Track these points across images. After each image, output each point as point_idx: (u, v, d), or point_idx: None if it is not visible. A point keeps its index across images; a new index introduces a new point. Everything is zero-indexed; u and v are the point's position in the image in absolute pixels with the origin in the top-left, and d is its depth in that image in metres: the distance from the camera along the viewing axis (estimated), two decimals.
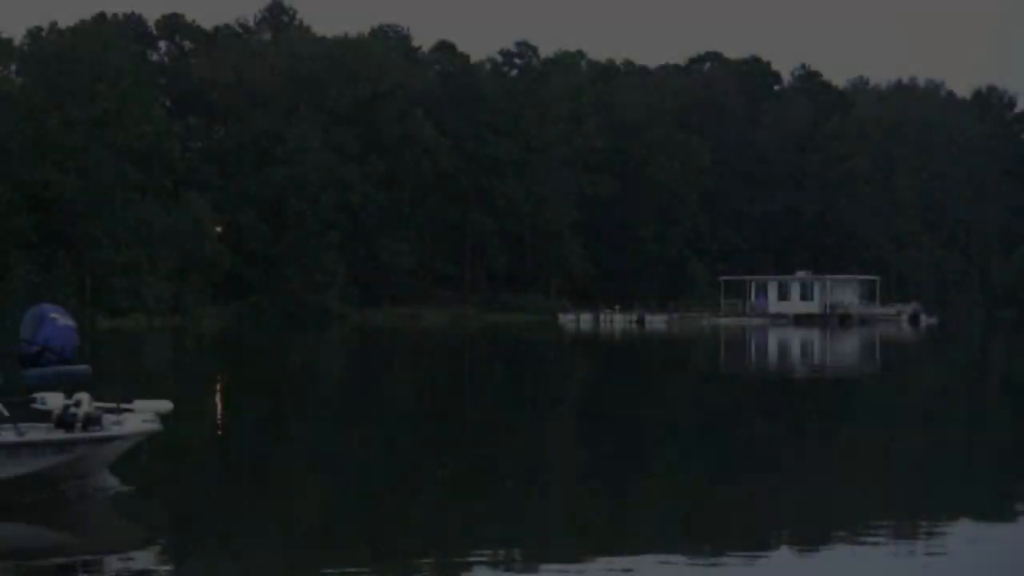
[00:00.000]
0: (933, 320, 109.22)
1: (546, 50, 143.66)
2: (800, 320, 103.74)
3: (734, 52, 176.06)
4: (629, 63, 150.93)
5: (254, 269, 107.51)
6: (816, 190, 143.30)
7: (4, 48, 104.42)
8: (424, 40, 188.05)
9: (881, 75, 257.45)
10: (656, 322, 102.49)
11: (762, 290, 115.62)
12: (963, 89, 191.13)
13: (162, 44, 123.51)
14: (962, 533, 12.83)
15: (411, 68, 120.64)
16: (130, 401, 14.45)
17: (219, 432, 22.10)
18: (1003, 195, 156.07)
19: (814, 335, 75.60)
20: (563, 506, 14.63)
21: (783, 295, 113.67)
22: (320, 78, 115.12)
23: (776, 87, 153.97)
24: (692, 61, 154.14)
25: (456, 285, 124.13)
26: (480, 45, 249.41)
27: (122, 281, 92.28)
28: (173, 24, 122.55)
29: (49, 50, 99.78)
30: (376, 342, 65.80)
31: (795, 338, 70.58)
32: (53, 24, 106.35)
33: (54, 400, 13.81)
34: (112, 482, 14.31)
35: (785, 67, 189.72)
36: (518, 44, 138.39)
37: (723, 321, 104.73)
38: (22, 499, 13.13)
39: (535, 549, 11.99)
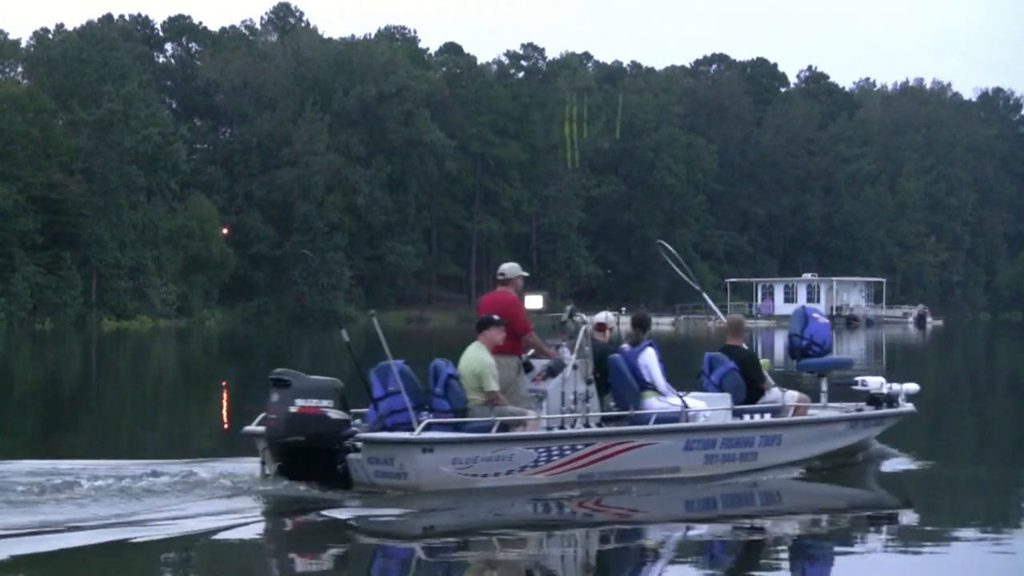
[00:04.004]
0: (939, 322, 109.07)
1: (552, 52, 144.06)
2: None
3: (740, 54, 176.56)
4: (635, 65, 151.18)
5: (260, 271, 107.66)
6: (822, 192, 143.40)
7: (10, 50, 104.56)
8: (431, 42, 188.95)
9: (887, 77, 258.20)
10: (662, 324, 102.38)
11: (768, 292, 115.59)
12: (969, 91, 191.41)
13: (168, 46, 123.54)
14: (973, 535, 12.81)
15: (417, 70, 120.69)
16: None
17: None
18: (1009, 197, 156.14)
19: None
20: None
21: (789, 297, 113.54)
22: (326, 80, 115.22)
23: (782, 89, 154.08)
24: (698, 63, 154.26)
25: (462, 287, 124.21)
26: (487, 47, 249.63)
27: (128, 283, 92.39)
28: (179, 26, 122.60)
29: (55, 52, 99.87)
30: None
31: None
32: (59, 26, 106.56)
33: (874, 383, 16.90)
34: (892, 451, 17.10)
35: (791, 69, 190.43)
36: (524, 46, 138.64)
37: None
38: (835, 465, 15.93)
39: None
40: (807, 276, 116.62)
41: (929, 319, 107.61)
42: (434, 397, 14.06)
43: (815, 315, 17.10)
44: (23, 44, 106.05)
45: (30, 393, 30.77)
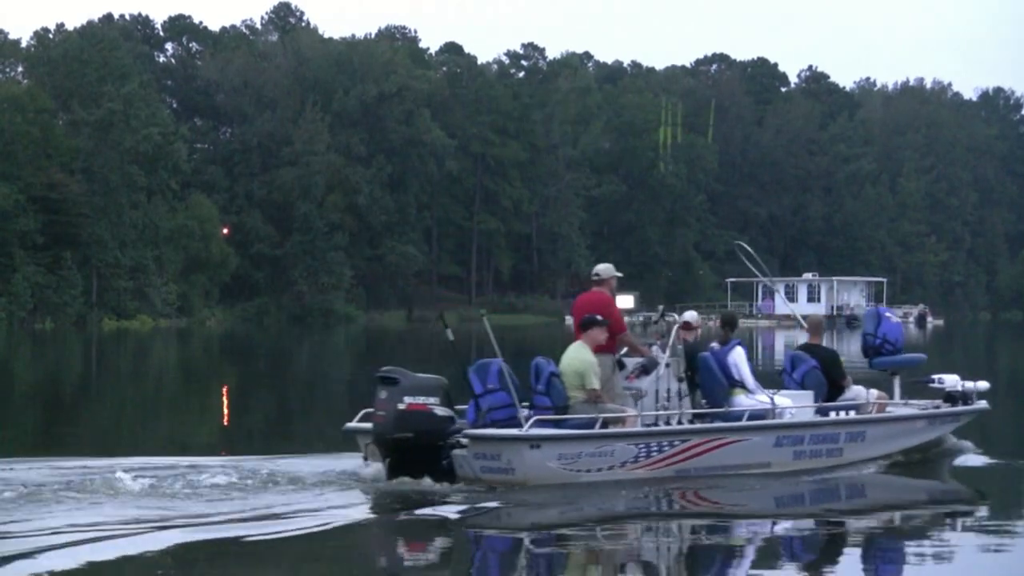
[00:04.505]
0: (940, 322, 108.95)
1: (553, 52, 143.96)
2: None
3: (740, 54, 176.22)
4: (636, 64, 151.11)
5: (260, 271, 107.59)
6: (822, 192, 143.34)
7: (11, 50, 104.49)
8: (431, 41, 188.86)
9: (888, 76, 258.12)
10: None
11: (769, 292, 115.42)
12: (969, 91, 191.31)
13: (169, 46, 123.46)
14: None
15: (418, 70, 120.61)
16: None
17: None
18: (1009, 197, 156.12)
19: None
20: None
21: (790, 297, 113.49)
22: (327, 80, 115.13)
23: (783, 89, 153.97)
24: (698, 63, 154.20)
25: (462, 287, 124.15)
26: (487, 47, 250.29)
27: (128, 283, 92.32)
28: (180, 25, 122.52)
29: (55, 52, 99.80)
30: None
31: (802, 339, 70.40)
32: (60, 26, 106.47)
33: (950, 380, 17.32)
34: (968, 445, 17.54)
35: (792, 69, 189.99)
36: (525, 46, 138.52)
37: None
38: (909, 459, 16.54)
39: None
40: (808, 276, 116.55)
41: (929, 319, 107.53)
42: (536, 394, 14.49)
43: (887, 315, 17.81)
44: (23, 44, 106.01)
45: (30, 393, 30.75)
